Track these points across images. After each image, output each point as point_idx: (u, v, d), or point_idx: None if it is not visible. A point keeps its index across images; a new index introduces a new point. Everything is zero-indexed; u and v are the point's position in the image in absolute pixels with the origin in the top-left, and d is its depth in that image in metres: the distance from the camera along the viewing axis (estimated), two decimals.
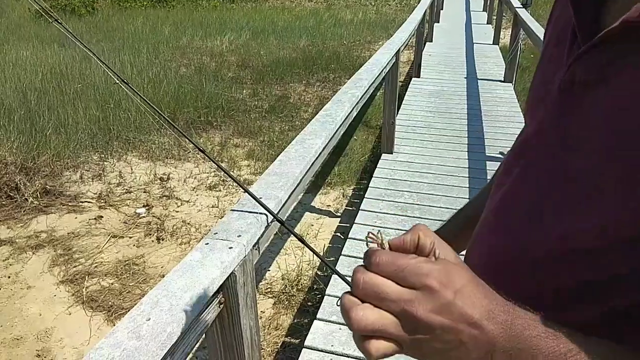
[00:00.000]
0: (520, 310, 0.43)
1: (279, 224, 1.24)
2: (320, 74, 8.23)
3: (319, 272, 3.33)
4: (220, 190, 4.50)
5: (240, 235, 1.08)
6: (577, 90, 0.51)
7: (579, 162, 0.50)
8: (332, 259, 3.29)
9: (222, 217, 1.18)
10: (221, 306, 1.04)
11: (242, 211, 1.19)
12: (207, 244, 1.04)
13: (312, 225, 3.93)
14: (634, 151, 0.44)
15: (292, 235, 3.45)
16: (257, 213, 1.17)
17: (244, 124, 5.98)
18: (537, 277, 0.52)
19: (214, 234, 1.09)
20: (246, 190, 1.12)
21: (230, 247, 1.02)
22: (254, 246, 1.12)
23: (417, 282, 0.42)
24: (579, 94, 0.51)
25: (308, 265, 3.39)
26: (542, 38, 0.70)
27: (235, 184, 4.59)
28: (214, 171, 4.83)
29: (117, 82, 1.27)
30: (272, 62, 8.68)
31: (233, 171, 4.91)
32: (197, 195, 4.42)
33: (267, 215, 1.18)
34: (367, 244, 0.48)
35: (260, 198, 1.18)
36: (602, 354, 0.43)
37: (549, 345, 0.42)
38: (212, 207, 4.21)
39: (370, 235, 0.48)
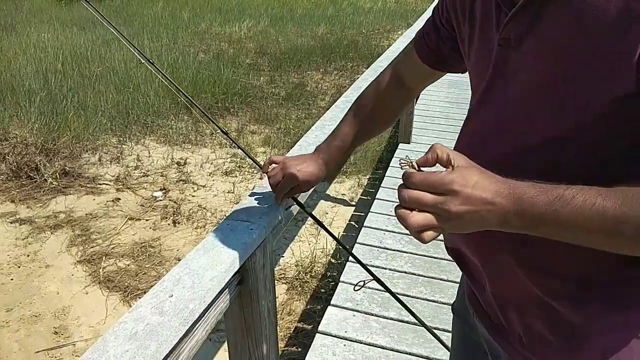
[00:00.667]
0: (518, 183, 0.62)
1: (298, 208, 1.25)
2: (338, 62, 8.19)
3: (333, 260, 3.34)
4: (236, 176, 4.53)
5: (261, 217, 1.08)
6: (514, 43, 0.71)
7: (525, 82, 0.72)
8: (347, 246, 3.30)
9: (239, 201, 1.19)
10: (241, 286, 1.05)
11: (262, 194, 1.19)
12: (228, 224, 1.05)
13: (327, 213, 3.93)
14: (560, 67, 0.66)
15: (306, 222, 3.44)
16: None
17: (261, 111, 5.98)
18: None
19: (235, 214, 1.09)
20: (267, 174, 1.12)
21: (251, 229, 1.03)
22: (273, 229, 1.13)
23: (445, 189, 0.62)
24: (516, 45, 0.71)
25: (322, 252, 3.40)
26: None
27: (250, 170, 4.61)
28: (231, 157, 4.85)
29: (143, 61, 1.27)
30: (290, 49, 8.66)
31: None
32: (213, 180, 4.45)
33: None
34: (401, 168, 0.67)
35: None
36: (595, 194, 0.60)
37: (541, 199, 0.60)
38: (228, 192, 4.24)
39: (402, 161, 0.67)
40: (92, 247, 3.50)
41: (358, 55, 8.50)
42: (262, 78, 7.27)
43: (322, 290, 3.05)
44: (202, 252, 0.95)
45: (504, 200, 0.61)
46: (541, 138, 0.70)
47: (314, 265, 3.24)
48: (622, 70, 0.60)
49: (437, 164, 0.66)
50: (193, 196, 4.19)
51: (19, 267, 3.30)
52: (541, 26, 0.68)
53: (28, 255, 3.42)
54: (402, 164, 0.67)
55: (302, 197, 1.61)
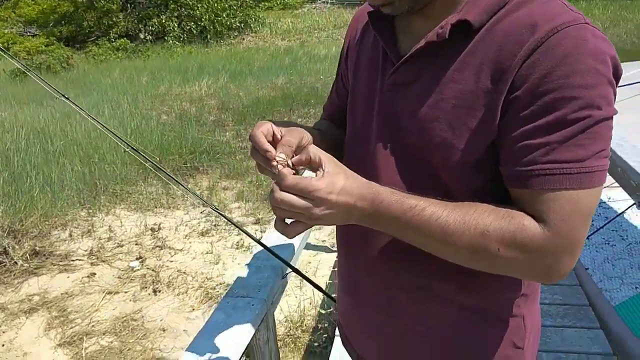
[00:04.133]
0: (380, 189, 0.72)
1: (295, 273, 1.24)
2: (301, 110, 8.33)
3: (322, 311, 3.30)
4: (213, 235, 4.47)
5: (259, 291, 1.07)
6: (399, 89, 0.81)
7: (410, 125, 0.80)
8: (334, 294, 3.27)
9: (219, 261, 1.18)
10: None
11: (257, 265, 1.18)
12: (228, 302, 1.04)
13: (310, 262, 3.91)
14: (439, 109, 0.76)
15: (290, 275, 3.35)
16: (272, 265, 1.17)
17: (231, 166, 5.98)
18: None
19: (234, 291, 1.08)
20: (261, 244, 1.12)
21: (253, 304, 1.02)
22: (274, 299, 1.12)
23: (312, 196, 0.68)
24: (401, 90, 0.81)
25: (310, 304, 3.35)
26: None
27: (227, 227, 4.57)
28: (205, 216, 4.80)
29: (127, 150, 1.27)
30: (252, 102, 8.76)
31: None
32: (190, 242, 4.38)
33: (282, 267, 1.18)
34: (276, 167, 0.72)
35: (273, 248, 1.18)
36: (443, 208, 0.71)
37: (397, 207, 0.71)
38: (207, 253, 4.17)
39: (278, 158, 0.72)
40: (71, 328, 3.36)
41: (319, 101, 8.65)
42: (227, 133, 7.30)
43: (316, 344, 2.99)
44: (207, 336, 0.94)
45: (365, 204, 0.71)
46: (423, 171, 0.80)
47: (304, 319, 3.19)
48: (490, 127, 0.71)
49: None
50: (171, 261, 4.11)
51: None
52: (426, 71, 0.78)
53: (3, 345, 3.25)
54: (279, 161, 0.72)
55: (296, 259, 1.61)
